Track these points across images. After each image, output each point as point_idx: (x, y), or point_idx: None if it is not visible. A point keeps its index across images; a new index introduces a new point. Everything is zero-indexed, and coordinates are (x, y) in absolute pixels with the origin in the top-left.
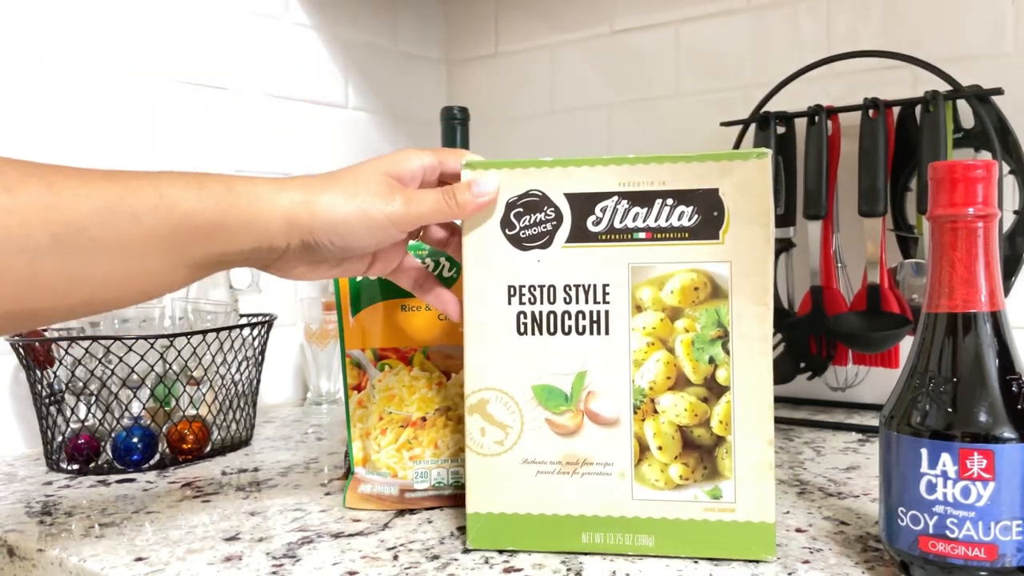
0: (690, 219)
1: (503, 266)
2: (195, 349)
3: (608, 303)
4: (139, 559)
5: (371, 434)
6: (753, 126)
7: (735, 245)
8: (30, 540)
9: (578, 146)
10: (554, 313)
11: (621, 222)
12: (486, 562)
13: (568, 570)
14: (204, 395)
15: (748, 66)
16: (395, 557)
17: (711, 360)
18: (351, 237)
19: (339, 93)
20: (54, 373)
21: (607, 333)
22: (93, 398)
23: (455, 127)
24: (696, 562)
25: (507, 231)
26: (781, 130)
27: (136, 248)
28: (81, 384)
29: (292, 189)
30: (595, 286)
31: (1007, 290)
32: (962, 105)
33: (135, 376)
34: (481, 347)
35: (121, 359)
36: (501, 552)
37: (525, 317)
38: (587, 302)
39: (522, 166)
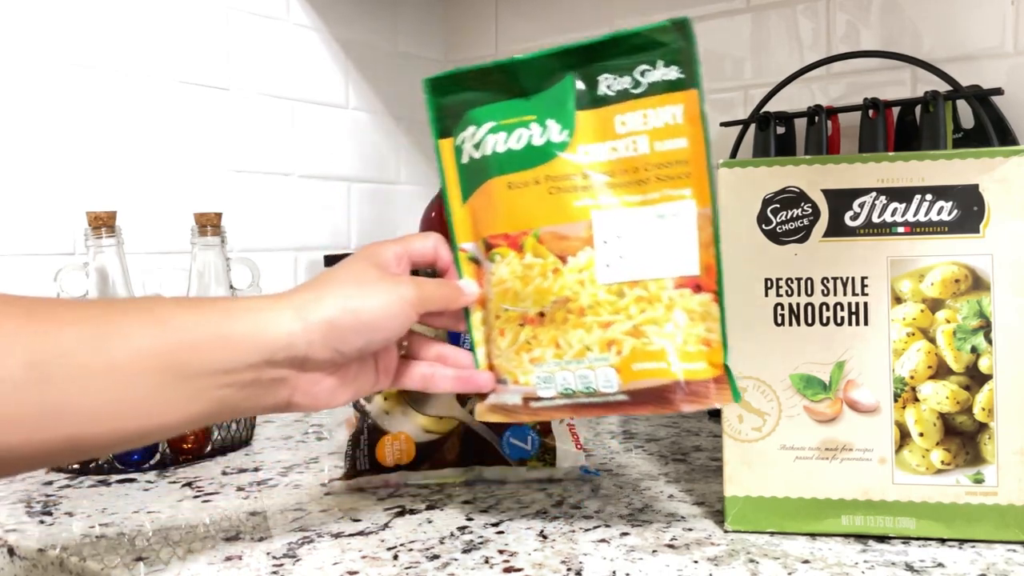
0: (949, 213)
1: (760, 259)
2: None
3: (867, 295)
4: (139, 559)
5: (491, 336)
6: (753, 126)
7: (997, 239)
8: (30, 540)
9: None
10: (812, 305)
11: (879, 217)
12: (486, 562)
13: (568, 570)
14: None
15: (748, 66)
16: (395, 557)
17: (973, 349)
18: (374, 326)
19: (339, 93)
20: None
21: (866, 324)
22: None
23: None
24: (696, 562)
25: (763, 226)
26: (781, 130)
27: (127, 372)
28: None
29: (294, 293)
30: (853, 279)
31: None
32: (962, 105)
33: None
34: (737, 337)
35: None
36: (754, 531)
37: (782, 309)
38: (845, 294)
39: (779, 164)
